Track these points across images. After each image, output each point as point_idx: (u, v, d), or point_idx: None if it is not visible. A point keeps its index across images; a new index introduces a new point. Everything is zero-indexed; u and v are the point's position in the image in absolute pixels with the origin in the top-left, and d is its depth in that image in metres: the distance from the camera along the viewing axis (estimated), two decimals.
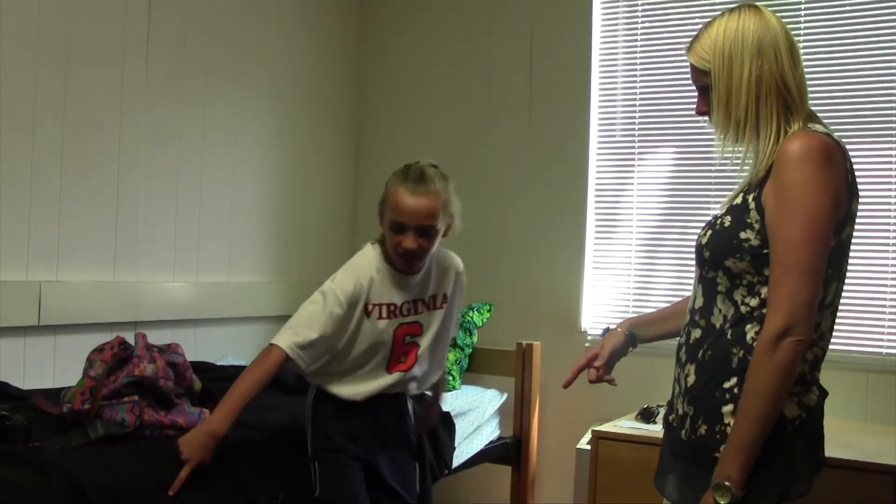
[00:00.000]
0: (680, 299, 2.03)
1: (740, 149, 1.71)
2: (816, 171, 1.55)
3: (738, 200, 1.66)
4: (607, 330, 2.02)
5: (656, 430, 2.66)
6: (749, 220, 1.62)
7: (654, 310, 2.11)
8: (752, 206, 1.62)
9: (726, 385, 1.63)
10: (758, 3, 1.77)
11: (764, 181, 1.62)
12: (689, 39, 1.75)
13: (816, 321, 1.62)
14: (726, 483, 1.55)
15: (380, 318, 2.13)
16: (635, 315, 2.09)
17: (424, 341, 2.21)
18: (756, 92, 1.63)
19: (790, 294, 1.53)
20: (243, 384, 1.99)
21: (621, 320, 2.05)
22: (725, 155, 1.74)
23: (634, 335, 2.00)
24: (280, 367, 2.04)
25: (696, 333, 1.72)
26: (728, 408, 1.62)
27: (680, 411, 1.73)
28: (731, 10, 1.70)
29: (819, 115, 1.72)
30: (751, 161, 1.70)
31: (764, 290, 1.61)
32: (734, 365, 1.63)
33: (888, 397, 2.86)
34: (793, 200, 1.55)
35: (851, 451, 2.37)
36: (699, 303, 1.73)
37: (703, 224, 1.79)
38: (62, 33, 2.69)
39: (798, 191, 1.55)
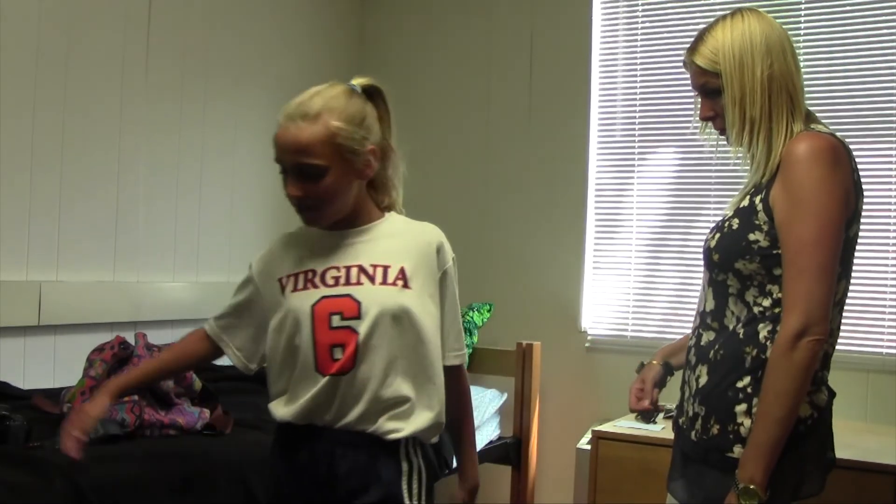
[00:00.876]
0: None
1: (743, 150, 1.71)
2: (826, 171, 1.56)
3: (745, 202, 1.66)
4: (642, 365, 2.01)
5: (656, 430, 2.66)
6: (757, 222, 1.62)
7: (680, 337, 2.09)
8: (760, 207, 1.62)
9: (739, 384, 1.63)
10: (757, 6, 1.77)
11: (770, 183, 1.62)
12: (688, 44, 1.75)
13: None
14: (752, 486, 1.54)
15: (295, 289, 1.65)
16: (665, 345, 2.07)
17: (364, 326, 1.57)
18: (769, 91, 1.64)
19: (806, 293, 1.53)
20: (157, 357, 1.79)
21: (655, 352, 2.03)
22: (727, 156, 1.74)
23: (669, 364, 1.98)
24: (197, 343, 1.76)
25: (709, 336, 1.71)
26: (741, 407, 1.61)
27: (690, 413, 1.73)
28: (732, 13, 1.71)
29: (819, 115, 1.72)
30: (752, 162, 1.70)
31: (775, 290, 1.61)
32: (747, 364, 1.62)
33: (888, 397, 2.86)
34: (804, 201, 1.55)
35: (852, 451, 2.37)
36: (710, 305, 1.72)
37: (703, 224, 1.80)
38: (62, 33, 2.69)
39: (809, 191, 1.55)
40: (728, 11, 1.72)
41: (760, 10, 1.74)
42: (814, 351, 1.53)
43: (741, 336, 1.64)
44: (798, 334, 1.53)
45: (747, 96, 1.64)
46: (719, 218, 1.76)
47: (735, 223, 1.66)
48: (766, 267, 1.62)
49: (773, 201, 1.60)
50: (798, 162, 1.57)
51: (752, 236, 1.63)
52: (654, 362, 1.98)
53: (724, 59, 1.66)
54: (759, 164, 1.65)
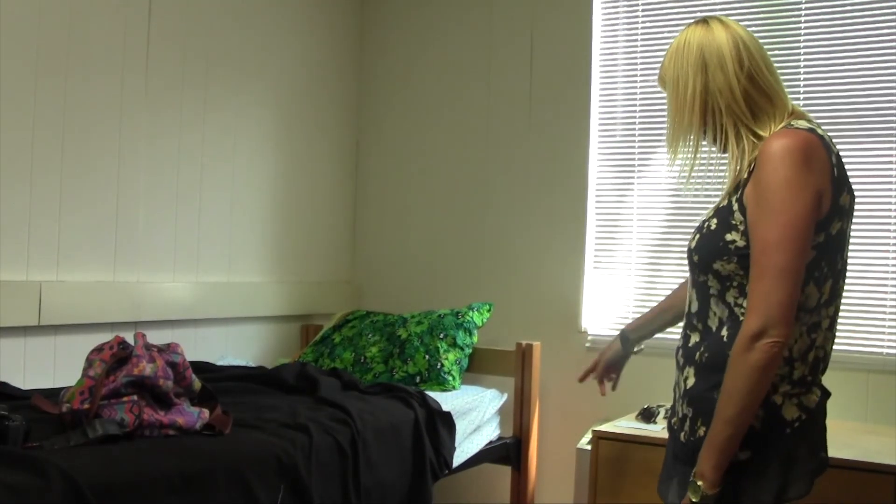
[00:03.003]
0: (663, 298, 2.17)
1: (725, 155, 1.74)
2: (794, 171, 1.55)
3: (724, 203, 1.68)
4: (624, 334, 2.22)
5: (657, 429, 2.66)
6: (734, 222, 1.63)
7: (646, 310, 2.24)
8: (736, 207, 1.63)
9: None
10: (757, 7, 1.80)
11: (747, 182, 1.63)
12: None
13: (814, 321, 1.62)
14: (699, 482, 1.57)
15: None
16: (629, 322, 2.26)
17: None
18: (702, 104, 1.69)
19: (766, 294, 1.54)
20: None
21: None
22: (721, 161, 1.76)
23: (627, 338, 2.16)
24: None
25: (695, 337, 1.72)
26: None
27: (680, 414, 1.74)
28: (682, 32, 1.77)
29: (819, 115, 1.73)
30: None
31: None
32: None
33: (889, 397, 2.85)
34: (770, 200, 1.55)
35: (852, 451, 2.37)
36: (695, 307, 1.73)
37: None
38: (63, 34, 2.69)
39: (775, 192, 1.55)
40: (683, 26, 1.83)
41: (747, 10, 1.78)
42: (771, 353, 1.53)
43: (724, 339, 1.65)
44: (755, 336, 1.53)
45: (677, 113, 1.72)
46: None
47: (713, 223, 1.67)
48: (744, 267, 1.62)
49: (747, 200, 1.61)
50: (768, 162, 1.57)
51: (728, 236, 1.63)
52: (616, 339, 2.20)
53: (664, 82, 1.76)
54: (733, 165, 1.68)
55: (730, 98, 1.67)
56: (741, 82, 1.67)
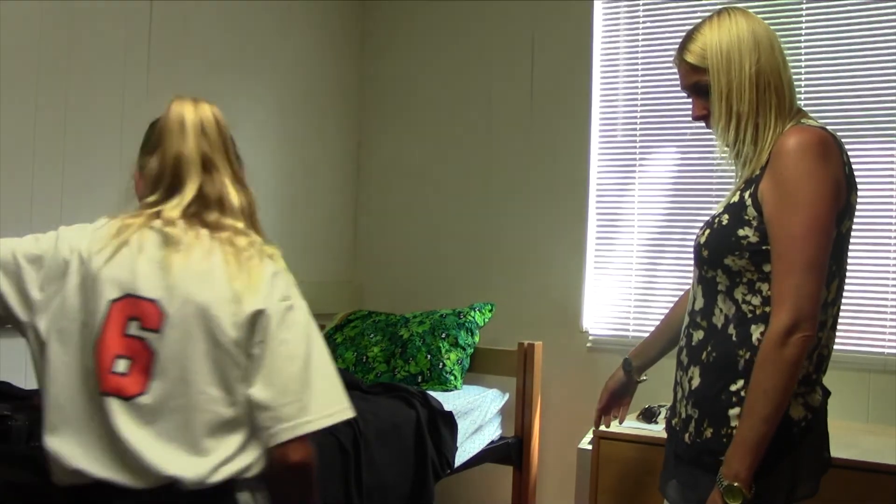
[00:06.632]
0: (659, 321, 2.11)
1: (729, 147, 1.71)
2: (814, 164, 1.55)
3: (735, 199, 1.66)
4: (627, 361, 2.14)
5: (658, 429, 2.66)
6: (747, 217, 1.62)
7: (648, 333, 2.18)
8: (749, 202, 1.62)
9: (733, 388, 1.62)
10: (758, 6, 1.78)
11: (760, 178, 1.62)
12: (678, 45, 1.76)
13: (821, 319, 1.61)
14: (736, 484, 1.53)
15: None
16: (639, 343, 2.16)
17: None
18: (756, 84, 1.64)
19: (796, 288, 1.52)
20: None
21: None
22: (724, 154, 1.75)
23: (630, 365, 2.10)
24: None
25: (699, 335, 1.71)
26: (735, 411, 1.60)
27: (683, 415, 1.72)
28: (719, 12, 1.72)
29: (820, 115, 1.73)
30: (739, 159, 1.71)
31: (765, 288, 1.60)
32: (740, 367, 1.61)
33: (890, 398, 2.85)
34: (793, 194, 1.55)
35: (853, 451, 2.37)
36: (699, 304, 1.72)
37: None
38: (64, 33, 2.69)
39: (798, 184, 1.54)
40: (716, 10, 1.74)
41: (749, 9, 1.76)
42: (803, 347, 1.52)
43: (734, 338, 1.63)
44: (788, 330, 1.51)
45: (734, 91, 1.64)
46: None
47: (725, 219, 1.66)
48: (756, 263, 1.61)
49: (762, 196, 1.60)
50: (787, 155, 1.56)
51: (741, 231, 1.62)
52: (619, 368, 2.10)
53: (712, 54, 1.67)
54: (747, 160, 1.66)
55: (778, 80, 1.64)
56: (786, 69, 1.67)
